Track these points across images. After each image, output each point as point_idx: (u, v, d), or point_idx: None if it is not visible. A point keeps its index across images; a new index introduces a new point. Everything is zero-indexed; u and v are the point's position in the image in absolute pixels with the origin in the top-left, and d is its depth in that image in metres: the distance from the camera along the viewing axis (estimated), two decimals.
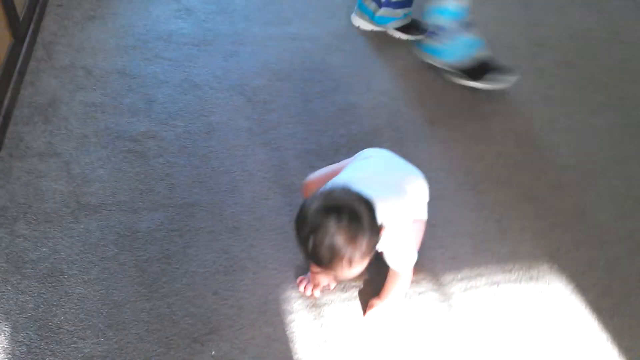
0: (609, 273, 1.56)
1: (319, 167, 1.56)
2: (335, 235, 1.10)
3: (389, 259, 1.31)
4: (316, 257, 1.13)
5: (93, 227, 1.56)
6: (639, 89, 2.20)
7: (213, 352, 1.34)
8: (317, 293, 1.45)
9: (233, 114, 1.96)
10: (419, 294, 1.48)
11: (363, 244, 1.11)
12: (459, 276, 1.52)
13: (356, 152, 1.50)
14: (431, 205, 1.50)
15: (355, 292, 1.48)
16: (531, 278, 1.53)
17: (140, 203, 1.64)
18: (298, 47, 2.28)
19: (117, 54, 2.19)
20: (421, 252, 1.50)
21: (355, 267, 1.14)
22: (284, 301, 1.45)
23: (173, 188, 1.69)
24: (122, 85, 2.04)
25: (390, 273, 1.39)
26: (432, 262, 1.55)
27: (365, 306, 1.45)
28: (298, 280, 1.47)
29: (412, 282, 1.48)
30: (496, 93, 2.11)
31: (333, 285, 1.47)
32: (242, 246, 1.55)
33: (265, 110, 1.98)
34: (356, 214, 1.11)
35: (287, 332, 1.39)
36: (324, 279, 1.44)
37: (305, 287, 1.46)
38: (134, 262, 1.49)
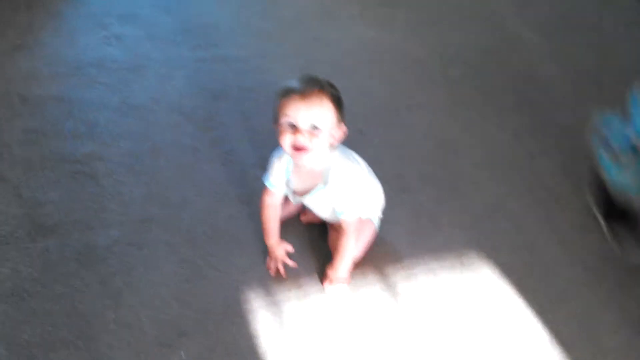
0: (530, 256, 1.77)
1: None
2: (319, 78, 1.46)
3: (337, 204, 1.52)
4: (300, 81, 1.43)
5: (52, 246, 1.61)
6: (539, 94, 2.46)
7: (183, 354, 1.42)
8: (281, 269, 1.61)
9: (176, 133, 2.05)
10: (366, 285, 1.63)
11: (336, 94, 1.45)
12: (400, 266, 1.68)
13: None
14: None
15: (309, 290, 1.60)
16: (462, 265, 1.72)
17: (96, 221, 1.69)
18: (230, 67, 2.41)
19: (50, 81, 2.22)
20: (367, 254, 1.66)
21: (324, 107, 1.41)
22: (245, 302, 1.55)
23: (126, 205, 1.76)
24: (61, 110, 2.08)
25: (337, 241, 1.58)
26: (376, 258, 1.70)
27: (322, 280, 1.61)
28: (266, 265, 1.64)
29: (359, 274, 1.63)
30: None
31: (291, 262, 1.63)
32: (200, 255, 1.64)
33: (206, 128, 2.08)
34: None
35: (251, 330, 1.49)
36: (279, 249, 1.63)
37: (270, 267, 1.62)
38: (96, 276, 1.55)
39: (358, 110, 2.24)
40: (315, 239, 1.72)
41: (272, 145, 1.96)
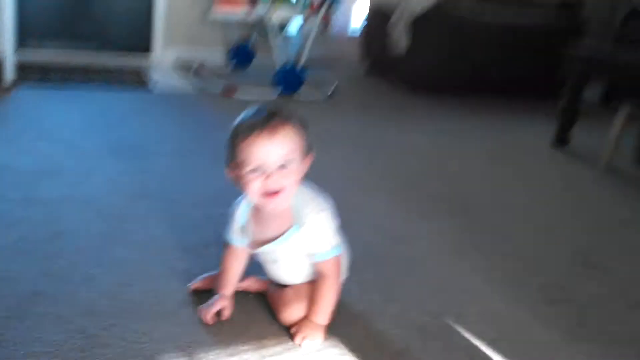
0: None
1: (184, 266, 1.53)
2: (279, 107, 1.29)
3: (314, 246, 1.30)
4: (256, 115, 1.23)
5: None
6: (473, 197, 2.36)
7: None
8: (210, 317, 1.34)
9: (85, 222, 1.77)
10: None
11: (300, 119, 1.27)
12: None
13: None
14: None
15: (272, 346, 1.24)
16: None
17: None
18: (153, 176, 2.21)
19: None
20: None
21: (292, 139, 1.23)
22: None
23: (13, 282, 1.41)
24: None
25: (314, 284, 1.34)
26: None
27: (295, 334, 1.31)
28: (198, 312, 1.36)
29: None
30: None
31: (227, 311, 1.35)
32: (101, 326, 1.29)
33: (121, 220, 1.81)
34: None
35: None
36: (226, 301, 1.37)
37: (203, 313, 1.35)
38: None
39: None
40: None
41: (199, 232, 1.71)
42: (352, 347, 1.31)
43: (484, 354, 1.35)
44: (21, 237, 1.63)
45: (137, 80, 3.78)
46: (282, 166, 1.21)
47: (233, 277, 1.39)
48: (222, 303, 1.35)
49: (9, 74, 3.27)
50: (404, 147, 2.96)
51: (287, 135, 1.21)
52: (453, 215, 2.15)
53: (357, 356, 1.29)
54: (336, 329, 1.35)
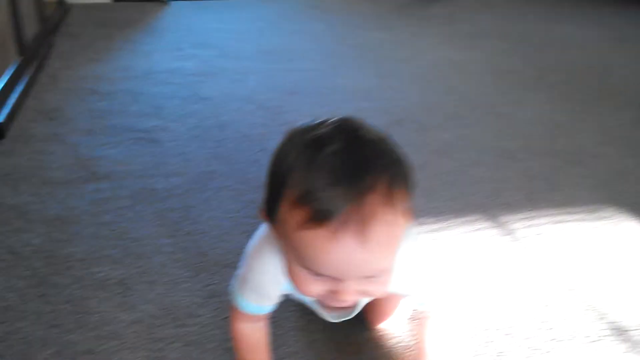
0: None
1: None
2: (371, 134, 0.68)
3: (413, 296, 0.86)
4: (335, 181, 0.60)
5: (104, 187, 1.43)
6: None
7: None
8: None
9: (245, 114, 1.91)
10: (476, 230, 1.33)
11: (402, 173, 0.66)
12: (518, 217, 1.39)
13: None
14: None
15: None
16: (596, 218, 1.40)
17: (154, 171, 1.52)
18: (302, 75, 2.31)
19: (121, 81, 2.18)
20: (469, 199, 1.39)
21: (393, 229, 0.63)
22: None
23: (188, 161, 1.59)
24: (129, 98, 2.00)
25: (423, 327, 0.91)
26: (482, 206, 1.42)
27: None
28: None
29: (466, 222, 1.35)
30: None
31: None
32: None
33: (277, 112, 1.93)
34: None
35: None
36: None
37: None
38: (152, 210, 1.34)
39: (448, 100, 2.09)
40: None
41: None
42: None
43: None
44: (194, 126, 1.80)
45: None
46: (370, 277, 0.66)
47: (261, 351, 0.89)
48: None
49: None
50: (566, 42, 2.82)
51: (389, 231, 0.62)
52: (619, 109, 2.06)
53: None
54: None
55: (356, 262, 0.62)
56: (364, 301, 0.86)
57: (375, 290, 0.68)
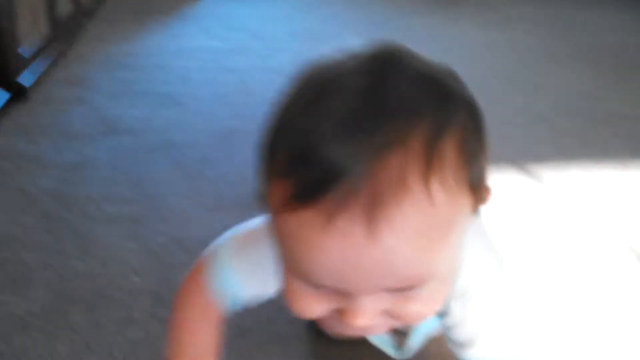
0: None
1: None
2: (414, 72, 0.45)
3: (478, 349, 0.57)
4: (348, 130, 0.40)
5: (125, 140, 1.40)
6: None
7: None
8: None
9: (270, 84, 1.84)
10: (506, 179, 1.25)
11: (468, 122, 0.45)
12: (547, 164, 1.30)
13: None
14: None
15: None
16: (628, 168, 1.31)
17: (176, 129, 1.48)
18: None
19: (151, 56, 2.16)
20: (499, 154, 1.30)
21: (422, 217, 0.39)
22: None
23: (210, 120, 1.54)
24: (156, 70, 1.98)
25: None
26: (513, 159, 1.33)
27: None
28: None
29: (496, 171, 1.26)
30: None
31: None
32: None
33: None
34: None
35: None
36: None
37: None
38: (171, 162, 1.30)
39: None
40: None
41: None
42: None
43: None
44: (219, 92, 1.77)
45: None
46: (400, 290, 0.43)
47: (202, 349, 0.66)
48: None
49: None
50: (602, 25, 2.72)
51: (424, 215, 0.39)
52: None
53: None
54: None
55: (367, 264, 0.39)
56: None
57: (411, 312, 0.43)
